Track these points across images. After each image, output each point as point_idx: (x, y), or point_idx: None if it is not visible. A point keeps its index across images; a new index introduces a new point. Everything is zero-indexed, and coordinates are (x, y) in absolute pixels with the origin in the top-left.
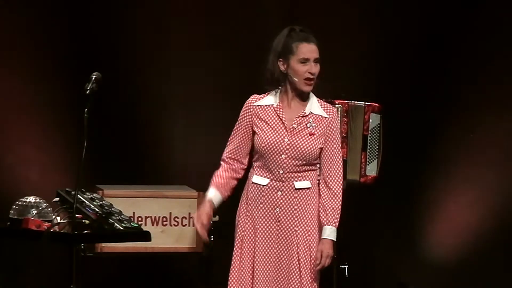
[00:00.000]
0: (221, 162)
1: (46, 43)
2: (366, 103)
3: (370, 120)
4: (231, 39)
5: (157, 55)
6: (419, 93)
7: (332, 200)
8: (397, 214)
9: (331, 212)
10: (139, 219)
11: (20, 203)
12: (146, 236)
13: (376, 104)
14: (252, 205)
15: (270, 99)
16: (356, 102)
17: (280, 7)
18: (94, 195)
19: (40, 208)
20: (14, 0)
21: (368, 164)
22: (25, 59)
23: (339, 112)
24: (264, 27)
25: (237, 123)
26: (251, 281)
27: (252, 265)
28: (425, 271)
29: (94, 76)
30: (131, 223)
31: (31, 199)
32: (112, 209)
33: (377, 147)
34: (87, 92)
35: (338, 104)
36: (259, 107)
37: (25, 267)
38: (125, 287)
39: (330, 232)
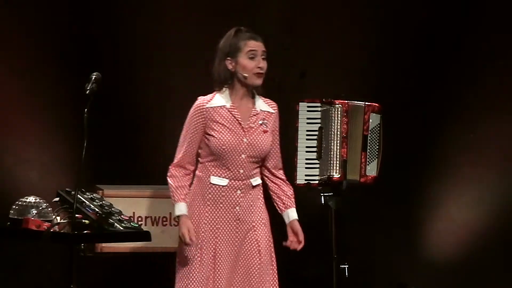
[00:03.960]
0: (177, 168)
1: (46, 43)
2: (366, 103)
3: (370, 120)
4: None
5: (157, 55)
6: (419, 93)
7: (288, 187)
8: (397, 214)
9: (290, 196)
10: (139, 219)
11: (20, 203)
12: (146, 236)
13: (376, 104)
14: (210, 205)
15: (220, 100)
16: (356, 102)
17: (280, 8)
18: (94, 195)
19: (40, 208)
20: (14, 0)
21: (368, 164)
22: (25, 59)
23: (339, 112)
24: (264, 28)
25: (188, 126)
26: (212, 281)
27: (213, 266)
28: (425, 271)
29: (94, 76)
30: (131, 223)
31: (31, 199)
32: (112, 209)
33: (377, 147)
34: (87, 92)
35: (338, 104)
36: (212, 109)
37: (25, 267)
38: (125, 287)
39: (295, 213)
